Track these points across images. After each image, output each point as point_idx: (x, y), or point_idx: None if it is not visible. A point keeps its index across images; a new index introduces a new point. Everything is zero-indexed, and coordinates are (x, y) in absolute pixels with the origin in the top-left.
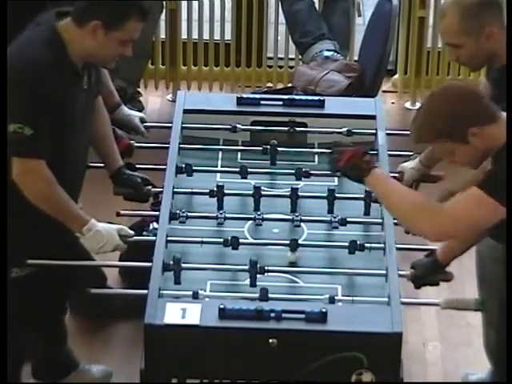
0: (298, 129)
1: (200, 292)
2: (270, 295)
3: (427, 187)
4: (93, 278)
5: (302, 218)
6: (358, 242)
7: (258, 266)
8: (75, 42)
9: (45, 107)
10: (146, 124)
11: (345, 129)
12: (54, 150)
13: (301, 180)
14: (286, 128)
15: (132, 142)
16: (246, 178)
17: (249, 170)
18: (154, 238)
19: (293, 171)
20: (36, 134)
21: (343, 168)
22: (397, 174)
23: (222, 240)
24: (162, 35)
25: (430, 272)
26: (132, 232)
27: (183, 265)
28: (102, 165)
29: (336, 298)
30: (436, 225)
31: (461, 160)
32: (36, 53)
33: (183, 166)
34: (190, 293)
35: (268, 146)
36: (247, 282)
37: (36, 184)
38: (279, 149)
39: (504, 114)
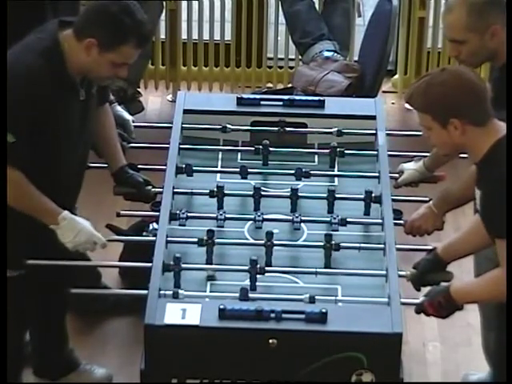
0: (297, 129)
1: (200, 292)
2: (269, 295)
3: (427, 187)
4: (87, 276)
5: (302, 218)
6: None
7: (258, 266)
8: (73, 54)
9: (31, 118)
10: (145, 124)
11: (335, 129)
12: (47, 161)
13: (301, 180)
14: (282, 128)
15: (124, 143)
16: (246, 178)
17: (249, 170)
18: (153, 238)
19: (293, 171)
20: (16, 143)
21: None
22: (396, 174)
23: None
24: (162, 35)
25: (431, 269)
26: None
27: (183, 265)
28: (102, 165)
29: (336, 298)
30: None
31: (433, 140)
32: (33, 62)
33: (183, 166)
34: (190, 293)
35: (260, 146)
36: (247, 282)
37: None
38: (281, 149)
39: (498, 124)
